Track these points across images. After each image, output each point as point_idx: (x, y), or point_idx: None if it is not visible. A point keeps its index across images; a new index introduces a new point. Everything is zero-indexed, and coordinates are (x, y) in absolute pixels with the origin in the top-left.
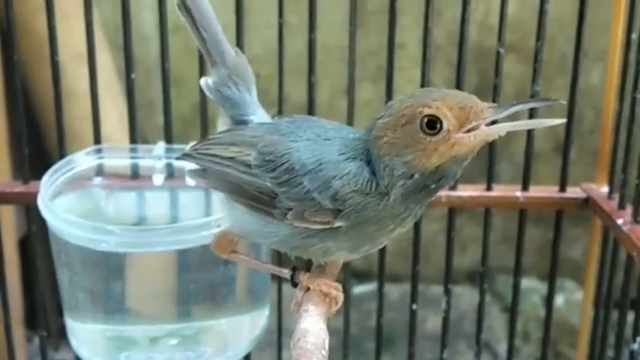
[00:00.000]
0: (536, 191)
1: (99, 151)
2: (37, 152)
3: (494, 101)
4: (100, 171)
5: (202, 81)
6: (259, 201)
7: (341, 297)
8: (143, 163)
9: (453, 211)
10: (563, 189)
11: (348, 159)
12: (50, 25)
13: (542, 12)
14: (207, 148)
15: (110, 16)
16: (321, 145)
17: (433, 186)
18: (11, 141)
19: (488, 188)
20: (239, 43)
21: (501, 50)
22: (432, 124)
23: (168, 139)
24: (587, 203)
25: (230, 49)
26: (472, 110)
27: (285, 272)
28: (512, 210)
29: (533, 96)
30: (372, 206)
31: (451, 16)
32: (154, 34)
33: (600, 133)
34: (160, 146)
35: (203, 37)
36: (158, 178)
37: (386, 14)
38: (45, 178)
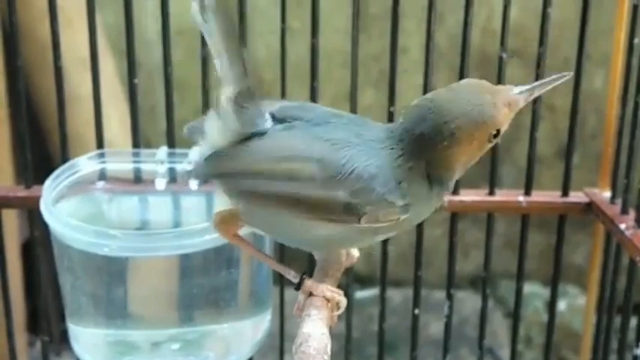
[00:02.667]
0: (538, 196)
1: (101, 155)
2: (40, 156)
3: None
4: (102, 175)
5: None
6: (327, 211)
7: (344, 302)
8: (146, 167)
9: (456, 216)
10: (565, 194)
11: (402, 161)
12: (53, 30)
13: (544, 17)
14: (247, 167)
15: (113, 22)
16: (370, 148)
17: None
18: (14, 145)
19: (491, 193)
20: (242, 47)
21: (504, 55)
22: (497, 133)
23: (171, 144)
24: (590, 208)
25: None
26: (513, 104)
27: (291, 273)
28: (515, 215)
29: (536, 101)
30: (427, 198)
31: (454, 20)
32: (157, 39)
33: (603, 137)
34: (163, 151)
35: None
36: (160, 183)
37: (388, 19)
38: (47, 182)
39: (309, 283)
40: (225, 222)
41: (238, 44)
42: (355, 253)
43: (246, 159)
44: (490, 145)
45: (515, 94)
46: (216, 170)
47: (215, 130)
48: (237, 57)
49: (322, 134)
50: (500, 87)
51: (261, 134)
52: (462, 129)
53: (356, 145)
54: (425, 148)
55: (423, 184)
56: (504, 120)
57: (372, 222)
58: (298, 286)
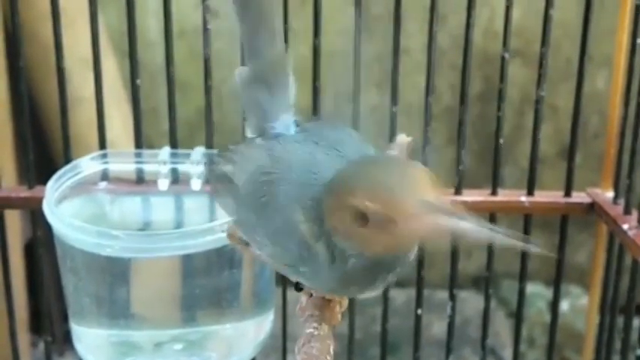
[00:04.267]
0: (541, 196)
1: (104, 156)
2: (43, 157)
3: (499, 107)
4: (105, 176)
5: (238, 71)
6: (242, 228)
7: (345, 301)
8: (148, 168)
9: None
10: (568, 194)
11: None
12: (56, 31)
13: (546, 17)
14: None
15: (115, 22)
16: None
17: (391, 261)
18: (17, 146)
19: (493, 193)
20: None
21: (506, 55)
22: (363, 216)
23: (174, 144)
24: (593, 208)
25: (277, 42)
26: (407, 205)
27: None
28: (517, 215)
29: (538, 101)
30: (329, 270)
31: (456, 21)
32: (159, 39)
33: (605, 137)
34: (165, 151)
35: (246, 17)
36: (163, 183)
37: (391, 20)
38: (50, 183)
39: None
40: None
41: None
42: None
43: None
44: (362, 233)
45: (423, 205)
46: (212, 173)
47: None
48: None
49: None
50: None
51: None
52: (337, 184)
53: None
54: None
55: (321, 257)
56: (377, 213)
57: (268, 255)
58: (299, 287)
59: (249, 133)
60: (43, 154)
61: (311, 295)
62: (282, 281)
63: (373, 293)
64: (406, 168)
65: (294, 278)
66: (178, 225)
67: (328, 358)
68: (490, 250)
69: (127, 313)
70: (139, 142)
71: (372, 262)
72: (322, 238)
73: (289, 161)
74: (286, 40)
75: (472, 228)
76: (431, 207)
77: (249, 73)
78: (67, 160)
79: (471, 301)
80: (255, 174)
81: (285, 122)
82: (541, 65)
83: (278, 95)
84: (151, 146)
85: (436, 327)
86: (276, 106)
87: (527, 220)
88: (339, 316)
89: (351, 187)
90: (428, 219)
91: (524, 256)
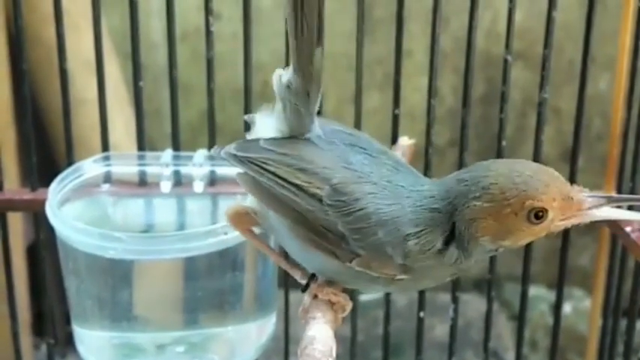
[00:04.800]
0: None
1: (107, 158)
2: (45, 160)
3: (501, 110)
4: (107, 178)
5: (277, 74)
6: (323, 237)
7: (349, 306)
8: (151, 170)
9: None
10: None
11: (424, 221)
12: (59, 34)
13: (549, 19)
14: (268, 163)
15: (118, 25)
16: (396, 195)
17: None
18: (19, 148)
19: None
20: (247, 50)
21: (509, 58)
22: (539, 215)
23: (176, 147)
24: None
25: (318, 50)
26: (575, 201)
27: (299, 274)
28: None
29: (541, 103)
30: (437, 268)
31: (458, 23)
32: (162, 42)
33: (608, 140)
34: (168, 154)
35: (302, 24)
36: (166, 186)
37: (393, 22)
38: (53, 185)
39: (315, 285)
40: (239, 215)
41: (313, 29)
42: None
43: (272, 156)
44: (532, 229)
45: (584, 195)
46: (244, 154)
47: (265, 125)
48: (308, 41)
49: (354, 164)
50: (567, 184)
51: (303, 140)
52: (496, 187)
53: (382, 187)
54: (454, 205)
55: (436, 249)
56: (554, 208)
57: (364, 267)
58: (305, 288)
59: (271, 128)
60: (45, 156)
61: (315, 296)
62: (285, 283)
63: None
64: (545, 168)
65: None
66: (181, 227)
67: None
68: None
69: (130, 316)
70: (142, 144)
71: (478, 258)
72: (452, 241)
73: (367, 170)
74: (288, 44)
75: (618, 213)
76: (596, 202)
77: (294, 76)
78: (70, 162)
79: (473, 304)
80: (342, 184)
81: (315, 127)
82: (544, 67)
83: (313, 100)
84: (153, 148)
85: (438, 329)
86: (310, 111)
87: None
88: (341, 319)
89: (529, 192)
90: (590, 210)
91: (526, 258)
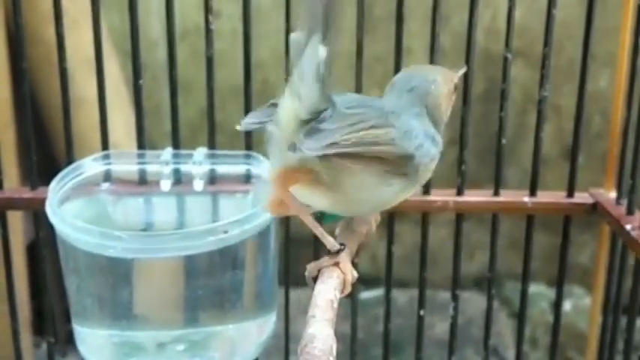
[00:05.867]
0: (543, 196)
1: (107, 156)
2: (45, 158)
3: (501, 107)
4: (107, 177)
5: (292, 37)
6: (401, 166)
7: (348, 288)
8: (150, 168)
9: (461, 217)
10: (571, 194)
11: (419, 113)
12: (59, 32)
13: (549, 17)
14: (351, 135)
15: (118, 23)
16: (407, 113)
17: None
18: (20, 147)
19: (496, 194)
20: (247, 48)
21: (509, 55)
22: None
23: (176, 145)
24: (595, 208)
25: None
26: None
27: (330, 242)
28: (520, 215)
29: (541, 100)
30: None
31: (458, 21)
32: (162, 40)
33: (608, 138)
34: (168, 152)
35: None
36: (165, 184)
37: (393, 20)
38: (53, 184)
39: (342, 255)
40: (287, 176)
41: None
42: (374, 223)
43: (342, 131)
44: (452, 98)
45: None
46: (325, 143)
47: (289, 111)
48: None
49: (388, 107)
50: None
51: (329, 115)
52: (441, 77)
53: (399, 113)
54: (422, 97)
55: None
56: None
57: (425, 173)
58: (333, 253)
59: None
60: (45, 155)
61: (337, 264)
62: (285, 281)
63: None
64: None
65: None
66: (181, 226)
67: (331, 358)
68: (492, 250)
69: (130, 314)
70: (142, 142)
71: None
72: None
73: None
74: (288, 42)
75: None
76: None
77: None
78: (70, 160)
79: (473, 302)
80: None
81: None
82: (544, 65)
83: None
84: (153, 147)
85: (439, 327)
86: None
87: (529, 221)
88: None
89: (448, 73)
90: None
91: (526, 256)
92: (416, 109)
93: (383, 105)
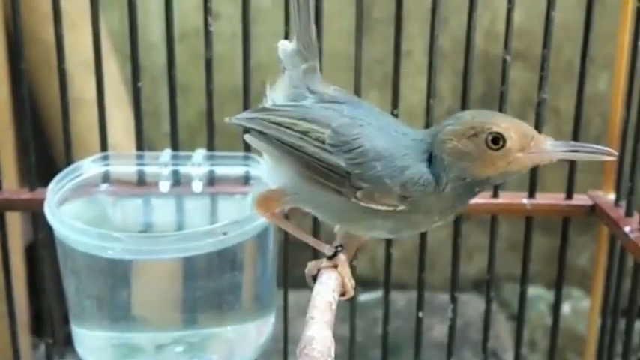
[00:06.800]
0: (542, 198)
1: (105, 158)
2: (44, 159)
3: (500, 109)
4: (106, 178)
5: (281, 43)
6: (329, 177)
7: (351, 292)
8: (149, 170)
9: (459, 219)
10: (569, 196)
11: (416, 157)
12: (57, 33)
13: (548, 19)
14: (273, 118)
15: (117, 25)
16: (389, 136)
17: (477, 189)
18: (18, 148)
19: (495, 195)
20: (246, 50)
21: (508, 58)
22: (497, 140)
23: (175, 147)
24: (594, 211)
25: (313, 26)
26: (534, 138)
27: (326, 247)
28: (519, 217)
29: (540, 103)
30: (428, 199)
31: (457, 23)
32: (161, 42)
33: (607, 140)
34: (167, 153)
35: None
36: (164, 186)
37: (392, 22)
38: (52, 185)
39: (341, 257)
40: (266, 200)
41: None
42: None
43: (276, 112)
44: (490, 154)
45: (544, 137)
46: (252, 116)
47: (274, 94)
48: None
49: (350, 113)
50: (531, 128)
51: (305, 100)
52: (467, 115)
53: (376, 128)
54: (434, 138)
55: (425, 178)
56: (512, 138)
57: (367, 199)
58: (330, 257)
59: (280, 97)
60: (44, 156)
61: (335, 266)
62: (284, 283)
63: (443, 222)
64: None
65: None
66: (179, 227)
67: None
68: (491, 252)
69: (128, 315)
70: (141, 144)
71: (462, 193)
72: (431, 167)
73: (365, 120)
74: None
75: (570, 155)
76: (556, 145)
77: (297, 46)
78: (69, 162)
79: (472, 304)
80: (342, 127)
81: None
82: (542, 67)
83: (312, 73)
84: (152, 148)
85: (437, 329)
86: (311, 81)
87: (528, 223)
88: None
89: (488, 118)
90: (542, 150)
91: (525, 258)
92: (421, 145)
93: (384, 124)
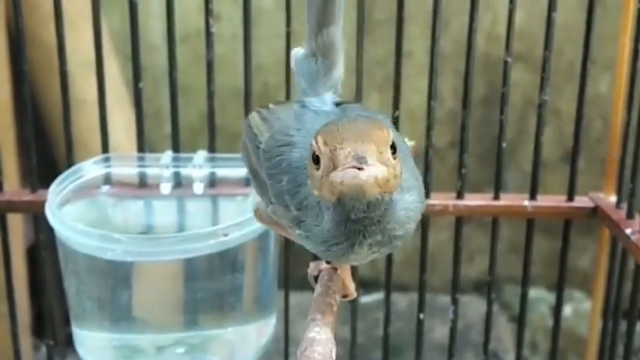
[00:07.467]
0: (544, 200)
1: (107, 159)
2: (45, 161)
3: (502, 111)
4: (107, 180)
5: (294, 51)
6: (257, 182)
7: (353, 294)
8: (150, 171)
9: (461, 221)
10: (571, 198)
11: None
12: (59, 34)
13: (549, 21)
14: (263, 114)
15: (118, 26)
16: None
17: (358, 216)
18: (20, 150)
19: (496, 197)
20: (247, 51)
21: (509, 59)
22: (316, 158)
23: (176, 148)
24: (595, 212)
25: (338, 23)
26: (336, 156)
27: None
28: (520, 219)
29: (541, 105)
30: (316, 227)
31: (459, 25)
32: (162, 43)
33: (608, 142)
34: (168, 155)
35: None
36: (165, 187)
37: (393, 23)
38: (53, 186)
39: (345, 267)
40: (259, 208)
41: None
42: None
43: (260, 116)
44: (314, 173)
45: (353, 154)
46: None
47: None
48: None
49: (306, 120)
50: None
51: (298, 103)
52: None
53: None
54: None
55: (315, 204)
56: (324, 155)
57: (274, 214)
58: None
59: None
60: (45, 157)
61: (335, 269)
62: (285, 285)
63: (358, 259)
64: (364, 124)
65: (297, 239)
66: (181, 229)
67: None
68: (492, 254)
69: (129, 317)
70: (142, 145)
71: (342, 219)
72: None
73: (313, 128)
74: (289, 43)
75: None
76: (358, 159)
77: (307, 51)
78: (70, 163)
79: (473, 306)
80: (277, 132)
81: (324, 98)
82: (544, 69)
83: (323, 74)
84: (153, 150)
85: (438, 331)
86: (320, 84)
87: (529, 225)
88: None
89: (316, 133)
90: (350, 170)
91: (526, 260)
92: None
93: None
